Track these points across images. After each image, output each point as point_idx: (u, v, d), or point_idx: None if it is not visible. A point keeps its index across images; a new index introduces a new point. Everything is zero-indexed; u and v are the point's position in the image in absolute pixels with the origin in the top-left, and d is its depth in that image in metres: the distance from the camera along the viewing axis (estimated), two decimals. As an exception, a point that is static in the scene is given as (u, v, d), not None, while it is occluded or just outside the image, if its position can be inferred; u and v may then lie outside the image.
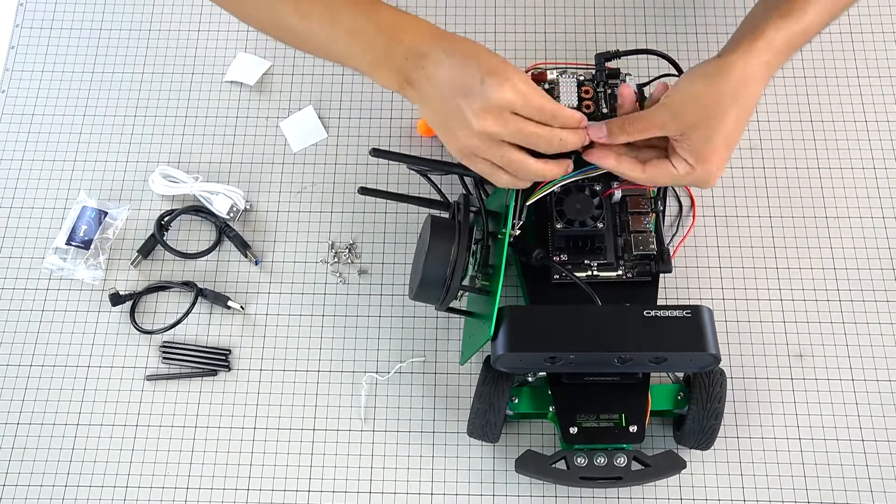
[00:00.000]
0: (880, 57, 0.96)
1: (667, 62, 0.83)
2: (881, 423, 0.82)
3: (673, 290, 0.86)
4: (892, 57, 0.96)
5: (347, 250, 0.89)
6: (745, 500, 0.79)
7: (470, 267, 0.75)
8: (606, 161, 0.72)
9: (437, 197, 0.82)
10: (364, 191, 0.79)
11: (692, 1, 0.99)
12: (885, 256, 0.88)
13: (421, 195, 0.83)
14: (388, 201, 0.89)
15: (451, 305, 0.76)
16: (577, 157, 0.78)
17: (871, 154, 0.92)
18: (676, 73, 0.82)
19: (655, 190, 0.81)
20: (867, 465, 0.80)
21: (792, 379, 0.83)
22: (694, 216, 0.89)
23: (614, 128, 0.71)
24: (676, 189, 0.89)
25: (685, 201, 0.89)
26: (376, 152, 0.75)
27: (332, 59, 0.76)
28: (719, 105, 0.69)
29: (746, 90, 0.70)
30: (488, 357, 0.74)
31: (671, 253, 0.86)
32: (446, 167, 0.79)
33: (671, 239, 0.88)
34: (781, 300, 0.86)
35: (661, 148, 0.73)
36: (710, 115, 0.69)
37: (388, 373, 0.84)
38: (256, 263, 0.88)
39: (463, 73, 0.68)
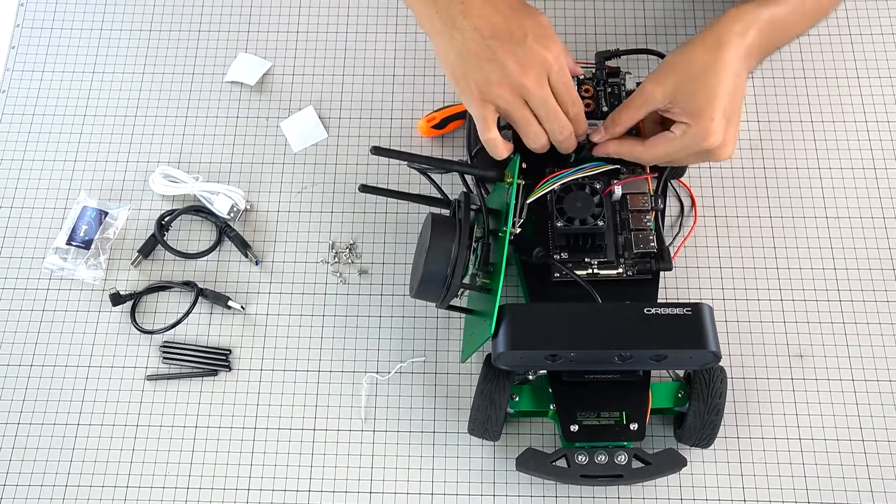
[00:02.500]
0: (880, 57, 0.96)
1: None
2: (881, 423, 0.82)
3: (673, 290, 0.86)
4: (892, 57, 0.96)
5: (348, 250, 0.89)
6: (745, 500, 0.79)
7: (470, 265, 0.75)
8: (607, 148, 0.76)
9: (438, 195, 0.82)
10: (364, 188, 0.79)
11: (692, 1, 0.99)
12: (885, 256, 0.88)
13: (422, 194, 0.83)
14: (389, 201, 0.89)
15: (451, 303, 0.76)
16: (577, 155, 0.78)
17: (871, 154, 0.92)
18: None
19: (655, 187, 0.81)
20: (867, 465, 0.80)
21: (792, 379, 0.83)
22: (695, 216, 0.89)
23: (607, 122, 0.75)
24: (677, 188, 0.90)
25: (686, 201, 0.90)
26: (377, 150, 0.76)
27: None
28: (694, 65, 0.72)
29: (720, 51, 0.71)
30: (489, 355, 0.74)
31: (673, 253, 0.86)
32: (447, 165, 0.79)
33: (673, 239, 0.88)
34: (781, 300, 0.86)
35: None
36: (689, 74, 0.71)
37: (389, 373, 0.84)
38: (257, 263, 0.88)
39: (507, 20, 0.70)
